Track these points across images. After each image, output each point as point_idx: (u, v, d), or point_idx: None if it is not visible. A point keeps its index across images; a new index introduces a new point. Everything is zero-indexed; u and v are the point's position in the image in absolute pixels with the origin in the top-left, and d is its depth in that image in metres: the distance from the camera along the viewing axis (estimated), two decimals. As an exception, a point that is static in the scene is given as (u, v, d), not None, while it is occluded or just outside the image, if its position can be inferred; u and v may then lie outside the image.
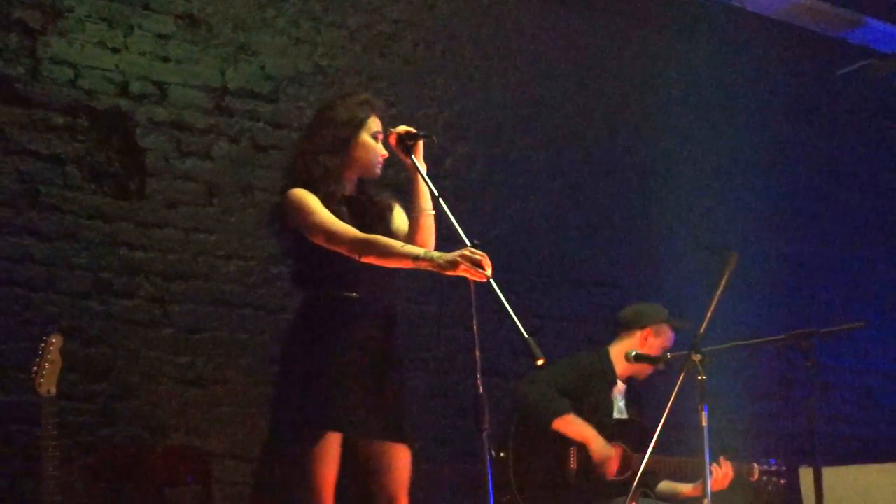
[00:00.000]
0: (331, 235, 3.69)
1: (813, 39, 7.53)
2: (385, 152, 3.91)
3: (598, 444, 4.92)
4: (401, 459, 3.83)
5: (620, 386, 5.15)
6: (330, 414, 3.67)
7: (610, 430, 4.99)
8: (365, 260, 3.65)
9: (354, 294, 3.76)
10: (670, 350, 5.14)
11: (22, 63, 4.75)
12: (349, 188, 3.90)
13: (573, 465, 4.92)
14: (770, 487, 5.06)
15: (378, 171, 3.92)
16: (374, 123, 3.91)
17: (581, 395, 4.99)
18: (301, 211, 3.73)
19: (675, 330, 5.23)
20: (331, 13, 5.64)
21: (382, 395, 3.76)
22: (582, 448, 4.93)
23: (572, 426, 4.90)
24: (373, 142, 3.89)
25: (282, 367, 3.84)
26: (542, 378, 4.94)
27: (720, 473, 4.93)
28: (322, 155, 3.82)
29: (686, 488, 5.10)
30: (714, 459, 4.88)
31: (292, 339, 3.83)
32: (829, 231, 7.60)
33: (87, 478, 4.50)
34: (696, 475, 4.97)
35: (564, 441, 4.92)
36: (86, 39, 4.90)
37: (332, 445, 3.70)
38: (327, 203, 3.76)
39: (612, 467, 4.94)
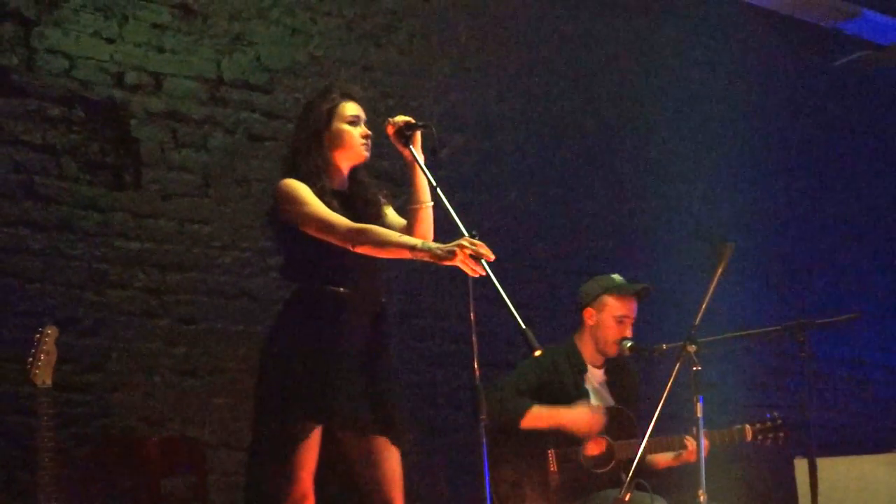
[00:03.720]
0: (323, 225, 3.66)
1: (809, 30, 7.54)
2: (367, 131, 3.87)
3: (576, 421, 4.70)
4: (391, 453, 3.80)
5: (595, 372, 4.96)
6: (313, 406, 3.66)
7: None
8: (359, 250, 3.62)
9: (342, 289, 3.73)
10: (632, 318, 4.91)
11: (17, 53, 4.74)
12: (339, 179, 3.87)
13: (553, 467, 4.73)
14: (769, 444, 4.91)
15: (364, 152, 3.87)
16: (347, 109, 3.86)
17: (549, 392, 4.83)
18: (293, 202, 3.71)
19: (629, 297, 4.92)
20: (326, 3, 5.63)
21: (369, 389, 3.74)
22: (559, 447, 4.74)
23: (542, 418, 4.71)
24: (348, 128, 3.85)
25: (265, 358, 3.81)
26: (499, 386, 4.77)
27: (692, 445, 4.69)
28: (302, 154, 3.82)
29: (664, 458, 4.89)
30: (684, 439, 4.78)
31: (276, 331, 3.82)
32: (824, 222, 7.61)
33: (83, 469, 4.50)
34: (672, 448, 4.84)
35: (539, 445, 4.74)
36: (81, 30, 4.89)
37: (313, 436, 3.69)
38: (318, 197, 3.73)
39: (594, 450, 4.75)
